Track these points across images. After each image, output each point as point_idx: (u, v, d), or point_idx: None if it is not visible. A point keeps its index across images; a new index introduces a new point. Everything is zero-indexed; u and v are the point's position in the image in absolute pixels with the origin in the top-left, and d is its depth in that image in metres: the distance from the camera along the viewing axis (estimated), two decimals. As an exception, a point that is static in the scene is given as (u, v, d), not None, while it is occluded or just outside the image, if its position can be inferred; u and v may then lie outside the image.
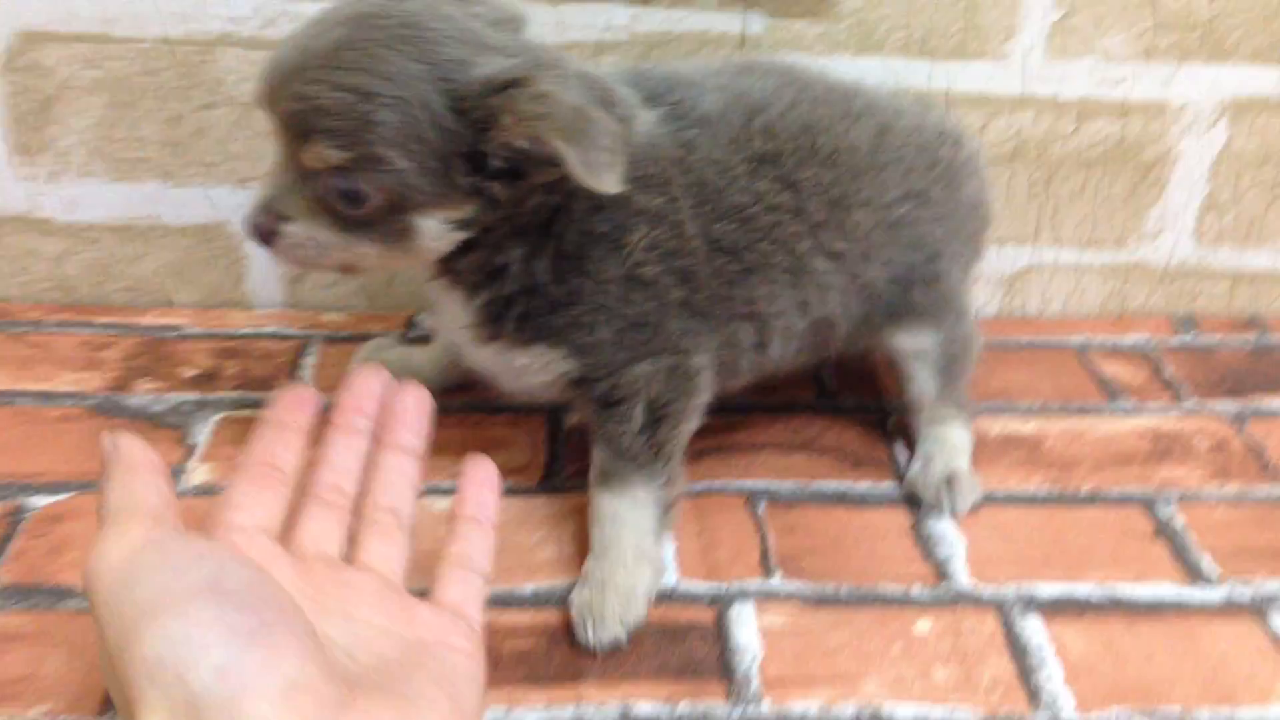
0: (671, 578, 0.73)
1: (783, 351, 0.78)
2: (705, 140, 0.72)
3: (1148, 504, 0.82)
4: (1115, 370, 0.99)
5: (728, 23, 0.93)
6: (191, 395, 0.89)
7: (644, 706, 0.64)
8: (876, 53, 0.95)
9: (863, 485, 0.83)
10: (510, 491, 0.73)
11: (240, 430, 0.84)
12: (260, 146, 0.95)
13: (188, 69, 0.92)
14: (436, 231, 0.66)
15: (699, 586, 0.73)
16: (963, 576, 0.74)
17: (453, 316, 0.74)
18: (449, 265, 0.70)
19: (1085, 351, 1.02)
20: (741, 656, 0.67)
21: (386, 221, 0.65)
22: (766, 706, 0.64)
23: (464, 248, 0.68)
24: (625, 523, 0.72)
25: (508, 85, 0.62)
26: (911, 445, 0.86)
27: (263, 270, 1.00)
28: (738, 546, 0.76)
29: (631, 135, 0.69)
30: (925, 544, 0.77)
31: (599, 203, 0.68)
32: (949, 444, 0.83)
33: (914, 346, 0.83)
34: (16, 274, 0.99)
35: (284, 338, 0.98)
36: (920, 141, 0.81)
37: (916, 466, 0.83)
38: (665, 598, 0.71)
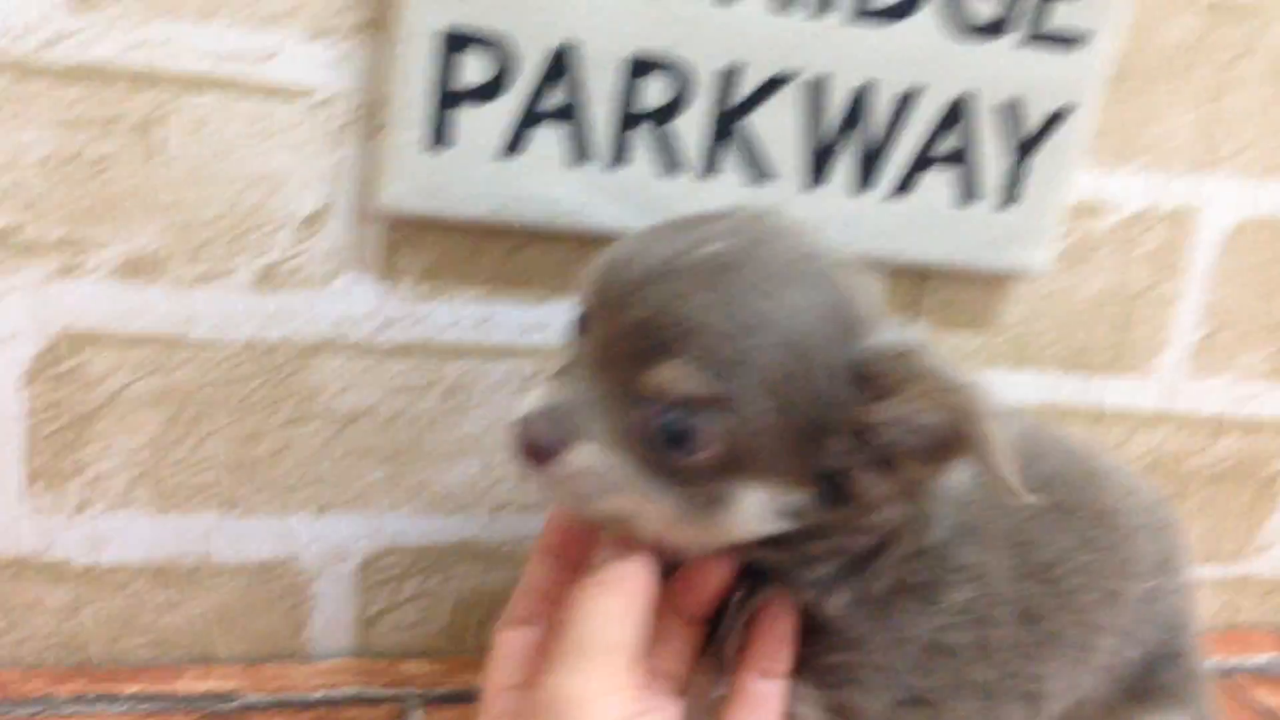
0: None
1: None
2: None
3: None
4: (1273, 700, 0.93)
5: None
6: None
7: None
8: (1034, 365, 0.89)
9: None
10: None
11: None
12: (353, 468, 0.77)
13: (277, 378, 0.74)
14: (757, 511, 0.51)
15: None
16: None
17: None
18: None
19: (1231, 676, 0.96)
20: None
21: (706, 481, 0.50)
22: None
23: (769, 542, 0.53)
24: None
25: (910, 352, 0.50)
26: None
27: (331, 611, 0.80)
28: None
29: None
30: None
31: (919, 546, 0.56)
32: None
33: None
34: (8, 631, 0.75)
35: (371, 701, 0.78)
36: (1149, 503, 0.71)
37: None
38: None
